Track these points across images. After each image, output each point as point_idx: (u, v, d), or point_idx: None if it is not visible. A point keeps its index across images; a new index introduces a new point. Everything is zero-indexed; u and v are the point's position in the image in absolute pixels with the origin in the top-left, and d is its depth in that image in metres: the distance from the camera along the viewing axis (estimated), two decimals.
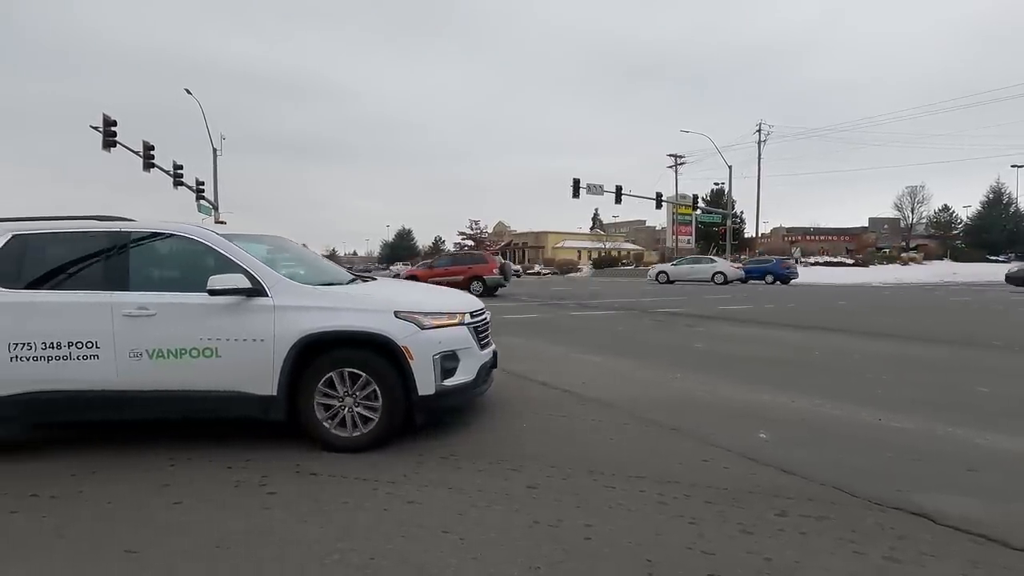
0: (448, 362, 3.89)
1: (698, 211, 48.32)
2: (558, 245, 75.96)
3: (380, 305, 3.91)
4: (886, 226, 70.61)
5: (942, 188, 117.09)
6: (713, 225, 54.88)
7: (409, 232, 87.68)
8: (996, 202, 57.06)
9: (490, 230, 79.46)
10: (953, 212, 64.01)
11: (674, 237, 50.96)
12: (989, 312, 13.53)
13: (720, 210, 48.75)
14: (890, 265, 42.69)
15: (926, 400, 4.91)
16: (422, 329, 3.81)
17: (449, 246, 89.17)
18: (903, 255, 47.98)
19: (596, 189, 36.12)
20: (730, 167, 41.54)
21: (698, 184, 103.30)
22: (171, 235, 4.07)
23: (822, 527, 2.61)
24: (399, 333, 3.74)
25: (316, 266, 4.90)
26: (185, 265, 4.15)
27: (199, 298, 3.76)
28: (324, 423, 3.75)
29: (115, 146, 22.26)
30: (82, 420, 3.97)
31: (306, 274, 4.36)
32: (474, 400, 4.56)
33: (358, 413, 3.74)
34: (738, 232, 55.01)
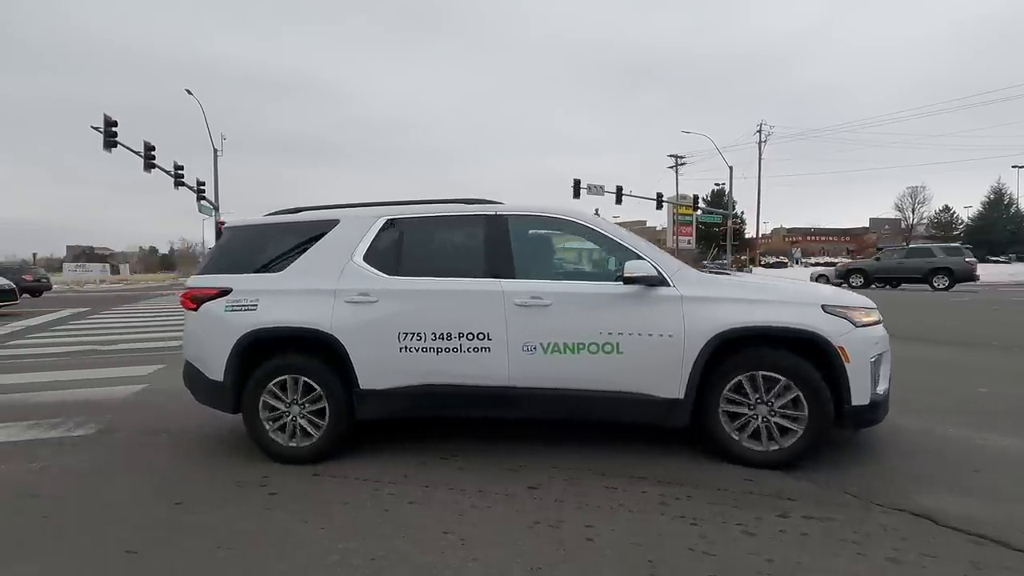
0: (878, 367, 3.37)
1: (699, 211, 48.25)
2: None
3: (803, 297, 3.42)
4: (887, 227, 70.64)
5: (943, 189, 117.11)
6: (714, 225, 54.85)
7: None
8: (997, 203, 57.05)
9: None
10: (954, 212, 64.06)
11: (675, 238, 50.92)
12: (986, 312, 13.52)
13: (721, 210, 48.70)
14: None
15: (926, 400, 4.90)
16: (856, 327, 3.30)
17: None
18: None
19: (597, 189, 36.07)
20: (731, 167, 41.48)
21: (699, 184, 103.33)
22: (553, 218, 3.79)
23: (824, 528, 2.61)
24: (833, 331, 3.23)
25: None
26: (572, 251, 3.91)
27: (596, 287, 3.48)
28: (732, 433, 3.34)
29: (116, 146, 22.24)
30: (465, 416, 3.74)
31: None
32: None
33: (775, 423, 3.28)
34: (739, 232, 55.03)
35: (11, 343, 9.81)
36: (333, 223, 3.82)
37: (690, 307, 3.32)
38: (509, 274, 3.52)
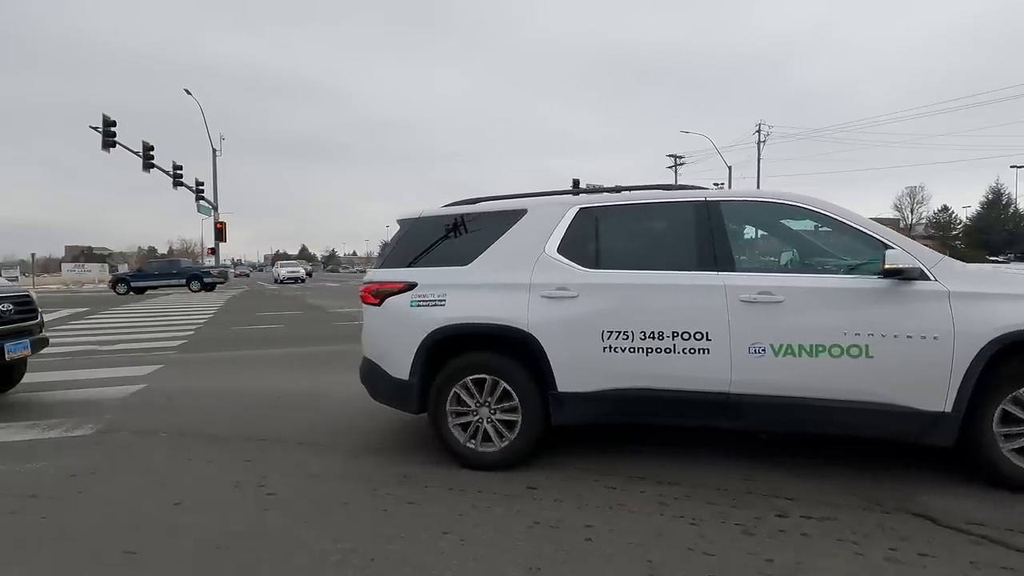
0: None
1: None
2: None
3: None
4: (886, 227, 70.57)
5: (941, 188, 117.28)
6: None
7: None
8: (995, 203, 57.03)
9: None
10: (952, 213, 63.96)
11: None
12: None
13: None
14: None
15: None
16: None
17: None
18: None
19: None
20: (730, 167, 41.63)
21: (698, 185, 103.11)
22: (775, 203, 3.43)
23: (823, 528, 2.61)
24: None
25: None
26: (799, 240, 3.61)
27: (837, 280, 3.10)
28: (1009, 456, 2.89)
29: (115, 146, 22.30)
30: (674, 424, 3.46)
31: None
32: None
33: None
34: None
35: None
36: (520, 213, 3.62)
37: (960, 304, 2.89)
38: (727, 267, 3.20)
